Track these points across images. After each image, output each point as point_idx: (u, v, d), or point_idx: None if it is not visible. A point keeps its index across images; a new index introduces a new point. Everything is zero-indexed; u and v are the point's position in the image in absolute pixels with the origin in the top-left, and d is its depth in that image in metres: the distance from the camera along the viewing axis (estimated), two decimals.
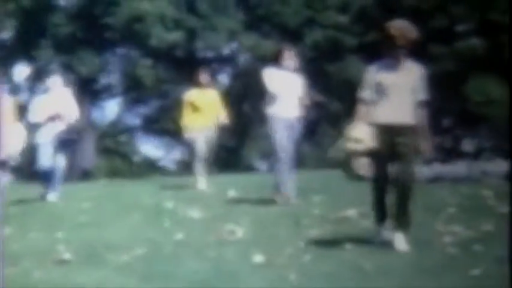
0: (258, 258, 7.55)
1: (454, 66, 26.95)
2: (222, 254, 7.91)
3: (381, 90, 7.82)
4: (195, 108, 14.27)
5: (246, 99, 29.22)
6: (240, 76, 31.79)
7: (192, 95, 14.51)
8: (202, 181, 14.06)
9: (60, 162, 13.06)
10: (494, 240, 7.80)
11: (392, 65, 7.88)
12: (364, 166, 7.78)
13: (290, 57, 11.58)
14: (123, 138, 37.70)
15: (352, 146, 7.68)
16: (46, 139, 12.92)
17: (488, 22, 27.28)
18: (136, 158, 38.46)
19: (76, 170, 30.24)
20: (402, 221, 7.83)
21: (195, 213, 10.66)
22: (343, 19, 30.08)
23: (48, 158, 12.89)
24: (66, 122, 13.10)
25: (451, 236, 8.21)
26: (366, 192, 9.76)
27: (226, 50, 32.55)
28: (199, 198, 12.47)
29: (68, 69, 30.52)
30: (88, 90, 32.02)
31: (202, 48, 31.00)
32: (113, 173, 32.22)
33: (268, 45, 29.56)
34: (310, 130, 33.19)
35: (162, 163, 38.40)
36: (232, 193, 12.79)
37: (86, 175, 29.51)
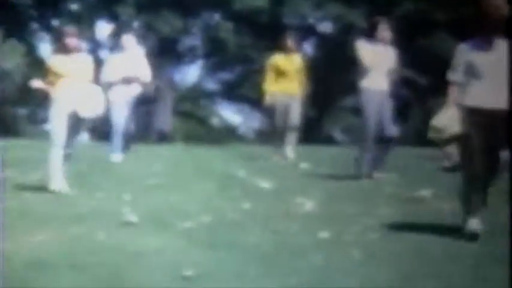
0: (324, 233, 7.61)
1: None
2: (287, 227, 7.99)
3: (473, 71, 7.39)
4: (279, 73, 13.98)
5: (330, 70, 29.13)
6: (325, 45, 31.68)
7: (277, 59, 14.18)
8: (289, 149, 13.83)
9: (130, 123, 13.39)
10: None
11: (485, 43, 7.41)
12: (451, 155, 7.53)
13: (385, 30, 11.41)
14: (202, 102, 37.93)
15: (435, 137, 7.38)
16: (119, 99, 13.13)
17: None
18: (214, 124, 38.71)
19: (153, 132, 30.64)
20: (478, 207, 7.52)
21: (265, 183, 10.74)
22: None
23: (121, 118, 13.17)
24: (139, 84, 13.30)
25: None
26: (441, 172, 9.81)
27: (311, 18, 32.42)
28: (272, 168, 12.51)
29: (150, 28, 30.87)
30: (170, 52, 32.30)
31: (288, 15, 30.90)
32: (191, 137, 32.50)
33: (355, 15, 29.50)
34: (400, 106, 33.07)
35: (240, 130, 38.57)
36: (305, 165, 12.83)
37: (163, 137, 29.78)
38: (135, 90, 13.27)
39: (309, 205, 9.08)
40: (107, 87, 12.72)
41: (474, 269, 6.46)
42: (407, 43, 29.90)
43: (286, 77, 13.90)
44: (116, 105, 13.06)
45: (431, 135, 7.41)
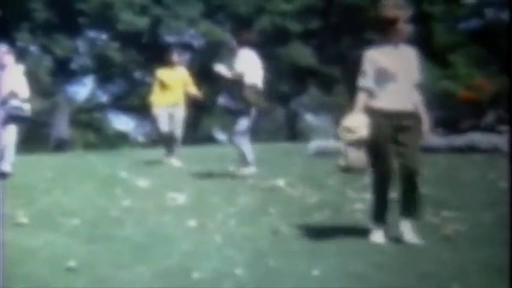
0: (191, 222, 7.74)
1: None
2: (160, 219, 8.09)
3: (384, 76, 6.76)
4: (164, 86, 13.72)
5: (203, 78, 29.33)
6: (198, 58, 31.83)
7: (162, 73, 13.93)
8: (174, 159, 13.54)
9: (10, 136, 12.19)
10: None
11: (392, 48, 6.81)
12: (358, 158, 6.71)
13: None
14: (96, 113, 37.66)
15: (345, 136, 6.72)
16: None
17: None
18: (108, 132, 38.45)
19: (51, 142, 30.32)
20: (411, 210, 6.85)
21: (143, 182, 10.80)
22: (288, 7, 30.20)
23: None
24: (18, 100, 12.23)
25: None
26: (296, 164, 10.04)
27: (186, 36, 32.62)
28: (151, 168, 12.57)
29: (45, 50, 30.58)
30: (64, 70, 32.06)
31: (165, 34, 31.03)
32: (88, 145, 32.27)
33: (220, 31, 29.92)
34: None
35: (131, 137, 38.42)
36: (179, 164, 12.96)
37: (61, 146, 29.47)
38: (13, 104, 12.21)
39: (180, 199, 9.20)
40: None
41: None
42: (268, 53, 30.39)
43: (170, 89, 13.65)
44: None
45: (342, 135, 6.77)
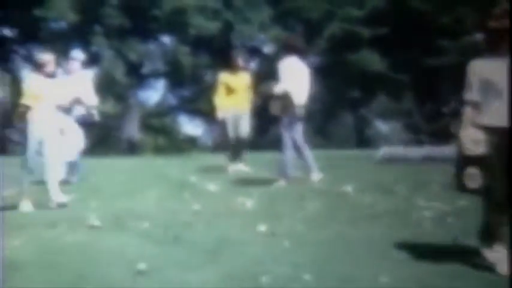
0: (261, 227, 7.79)
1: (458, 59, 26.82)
2: (229, 223, 8.16)
3: (491, 90, 6.10)
4: (229, 90, 13.28)
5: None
6: (266, 62, 31.86)
7: (226, 76, 13.45)
8: (241, 165, 13.17)
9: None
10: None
11: (499, 60, 6.11)
12: (474, 177, 6.05)
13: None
14: (166, 117, 37.98)
15: (470, 149, 6.00)
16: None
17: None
18: (178, 136, 38.71)
19: (122, 145, 30.71)
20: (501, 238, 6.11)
21: (212, 186, 10.88)
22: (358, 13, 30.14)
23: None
24: (85, 107, 12.07)
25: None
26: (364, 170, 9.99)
27: (256, 41, 32.75)
28: (220, 173, 12.61)
29: (118, 54, 31.01)
30: (135, 74, 32.45)
31: (236, 38, 31.16)
32: (158, 149, 32.55)
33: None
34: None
35: (200, 141, 38.63)
36: (248, 169, 12.91)
37: (131, 150, 29.81)
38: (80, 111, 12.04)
39: (249, 203, 9.25)
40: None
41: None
42: (337, 59, 30.38)
43: (235, 93, 13.25)
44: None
45: (465, 148, 6.06)
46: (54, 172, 9.89)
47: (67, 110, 11.20)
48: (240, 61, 13.64)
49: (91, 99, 12.23)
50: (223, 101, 13.30)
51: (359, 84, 30.98)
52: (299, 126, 11.18)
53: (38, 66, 10.05)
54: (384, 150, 15.08)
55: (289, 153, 11.04)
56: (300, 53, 11.37)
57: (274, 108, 11.13)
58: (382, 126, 38.40)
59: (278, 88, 11.07)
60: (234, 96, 13.26)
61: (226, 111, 13.20)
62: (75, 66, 12.38)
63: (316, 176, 11.05)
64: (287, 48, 11.36)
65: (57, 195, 9.82)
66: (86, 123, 12.06)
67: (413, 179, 10.76)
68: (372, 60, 29.07)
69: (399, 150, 14.56)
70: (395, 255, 6.52)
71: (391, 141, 28.17)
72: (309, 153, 11.12)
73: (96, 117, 12.34)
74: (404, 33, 29.67)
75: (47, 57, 10.15)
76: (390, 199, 9.26)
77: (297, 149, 11.07)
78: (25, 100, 9.98)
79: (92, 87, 12.46)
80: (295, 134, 11.08)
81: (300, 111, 11.13)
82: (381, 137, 34.25)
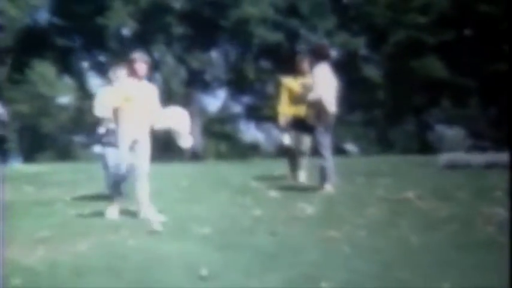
0: (320, 233, 7.77)
1: None
2: (290, 229, 8.15)
3: None
4: (293, 96, 12.32)
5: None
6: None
7: (290, 82, 12.49)
8: (301, 174, 12.43)
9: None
10: None
11: None
12: None
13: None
14: (228, 124, 38.12)
15: None
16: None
17: None
18: (240, 142, 38.83)
19: (186, 151, 30.87)
20: None
21: (273, 192, 10.89)
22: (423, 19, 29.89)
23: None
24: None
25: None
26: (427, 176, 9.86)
27: None
28: (280, 179, 12.60)
29: (180, 61, 31.27)
30: (198, 81, 32.69)
31: (302, 46, 31.15)
32: (220, 155, 32.73)
33: (356, 42, 29.86)
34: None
35: (263, 147, 38.67)
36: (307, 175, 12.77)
37: (195, 156, 29.98)
38: None
39: (309, 209, 9.24)
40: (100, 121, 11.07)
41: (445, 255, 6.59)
42: (404, 65, 30.16)
43: (299, 100, 12.11)
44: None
45: None
46: (145, 182, 9.52)
47: None
48: (305, 65, 12.31)
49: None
50: (286, 107, 12.51)
51: (423, 90, 30.74)
52: (328, 136, 11.09)
53: (130, 69, 9.60)
54: (446, 156, 14.93)
55: (330, 159, 10.98)
56: (329, 61, 11.26)
57: (310, 116, 11.12)
58: (445, 132, 38.04)
59: (312, 95, 11.04)
60: (298, 104, 12.24)
61: (290, 118, 12.43)
62: (121, 74, 11.24)
63: (329, 188, 10.89)
64: (318, 57, 11.23)
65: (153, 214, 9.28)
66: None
67: (476, 185, 10.63)
68: (436, 67, 28.83)
69: (462, 156, 14.40)
70: (458, 262, 6.44)
71: (454, 147, 27.83)
72: (332, 164, 11.03)
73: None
74: (471, 39, 29.39)
75: (139, 59, 9.64)
76: (453, 205, 9.15)
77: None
78: (116, 102, 9.55)
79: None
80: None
81: (331, 120, 11.09)
82: (444, 143, 33.90)
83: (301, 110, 11.99)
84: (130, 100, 9.49)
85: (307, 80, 12.04)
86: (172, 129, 9.91)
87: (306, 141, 12.25)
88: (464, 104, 31.10)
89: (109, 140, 10.49)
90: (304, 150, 12.40)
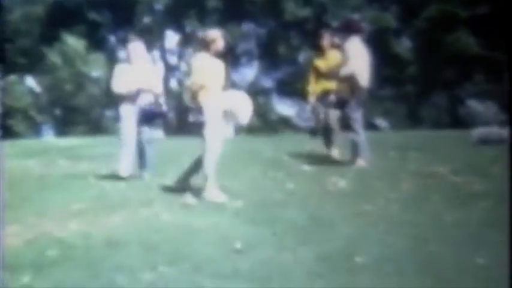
0: (353, 207, 7.75)
1: None
2: (323, 203, 8.14)
3: None
4: (319, 74, 12.17)
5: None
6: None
7: (315, 60, 12.43)
8: (335, 151, 12.06)
9: (147, 135, 11.10)
10: None
11: None
12: None
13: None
14: (259, 98, 38.07)
15: None
16: (129, 112, 10.94)
17: None
18: (271, 117, 38.79)
19: None
20: None
21: (306, 166, 10.88)
22: None
23: (131, 131, 10.91)
24: (151, 95, 11.07)
25: None
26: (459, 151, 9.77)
27: None
28: (311, 153, 12.55)
29: None
30: (229, 55, 32.65)
31: (331, 20, 31.03)
32: (251, 130, 32.68)
33: (388, 17, 29.63)
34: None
35: (295, 121, 38.62)
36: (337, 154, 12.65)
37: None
38: (146, 100, 11.04)
39: (342, 183, 9.22)
40: (119, 98, 11.02)
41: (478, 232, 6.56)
42: (436, 40, 29.91)
43: (325, 77, 12.04)
44: (125, 118, 10.96)
45: None
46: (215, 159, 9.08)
47: (133, 98, 10.87)
48: (326, 41, 12.24)
49: (158, 87, 11.22)
50: (312, 86, 12.34)
51: (454, 65, 30.50)
52: (361, 110, 10.99)
53: (205, 45, 9.14)
54: (479, 131, 14.81)
55: (362, 134, 10.91)
56: (361, 34, 11.09)
57: (343, 91, 11.01)
58: (476, 107, 37.76)
59: (345, 70, 10.94)
60: (324, 81, 12.12)
61: (316, 96, 12.28)
62: (136, 53, 11.17)
63: (362, 162, 10.80)
64: (349, 30, 11.06)
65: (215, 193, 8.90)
66: (153, 115, 11.16)
67: (509, 160, 10.53)
68: (468, 42, 28.60)
69: (495, 131, 14.26)
70: (491, 237, 6.40)
71: (486, 121, 27.62)
72: (364, 138, 10.94)
73: (164, 107, 11.41)
74: (504, 12, 29.02)
75: (214, 34, 9.24)
76: (486, 181, 9.09)
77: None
78: (199, 79, 9.10)
79: (157, 74, 11.56)
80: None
81: (364, 94, 11.00)
82: (476, 118, 33.66)
83: (329, 86, 11.91)
84: (212, 78, 9.11)
85: (330, 56, 12.03)
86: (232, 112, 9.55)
87: (333, 116, 11.92)
88: (497, 79, 30.82)
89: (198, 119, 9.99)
90: (333, 126, 12.04)
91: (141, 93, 10.93)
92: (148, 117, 11.03)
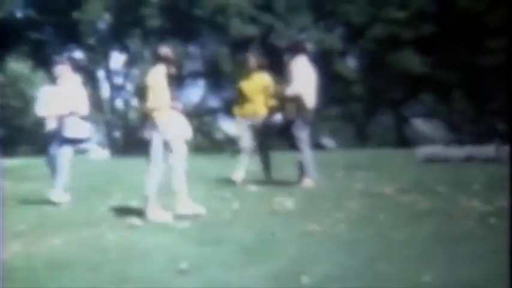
0: (300, 227, 7.74)
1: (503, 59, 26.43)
2: (269, 223, 8.12)
3: None
4: (243, 96, 11.91)
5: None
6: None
7: (241, 82, 12.06)
8: (239, 171, 11.71)
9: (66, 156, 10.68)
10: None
11: None
12: None
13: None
14: (206, 118, 38.08)
15: None
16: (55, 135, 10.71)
17: None
18: (217, 137, 38.80)
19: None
20: None
21: (252, 186, 10.86)
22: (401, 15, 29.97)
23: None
24: (76, 116, 10.72)
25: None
26: (405, 170, 9.86)
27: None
28: (259, 173, 12.53)
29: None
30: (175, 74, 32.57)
31: (277, 41, 31.15)
32: (197, 149, 32.63)
33: (332, 39, 29.85)
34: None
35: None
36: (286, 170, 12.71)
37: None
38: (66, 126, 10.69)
39: (289, 203, 9.21)
40: (42, 121, 10.85)
41: (428, 248, 6.59)
42: (381, 60, 30.19)
43: (248, 100, 11.81)
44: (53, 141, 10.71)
45: None
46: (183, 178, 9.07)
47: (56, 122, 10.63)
48: (252, 63, 11.97)
49: (82, 109, 10.86)
50: (237, 109, 12.14)
51: (400, 84, 30.82)
52: (307, 130, 11.08)
53: (163, 60, 9.17)
54: (424, 150, 14.96)
55: (308, 153, 10.97)
56: (307, 55, 11.17)
57: (289, 111, 11.04)
58: (422, 126, 38.22)
59: (290, 90, 10.97)
60: (247, 103, 11.89)
61: (242, 119, 11.98)
62: (63, 72, 10.90)
63: (308, 182, 10.87)
64: (295, 51, 11.15)
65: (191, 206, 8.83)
66: (74, 140, 10.78)
67: (455, 179, 10.64)
68: (413, 61, 28.91)
69: (440, 150, 14.43)
70: (437, 255, 6.42)
71: (432, 140, 27.94)
72: (311, 158, 11.02)
73: (87, 130, 10.92)
74: (450, 34, 29.43)
75: (169, 53, 9.26)
76: (431, 199, 9.16)
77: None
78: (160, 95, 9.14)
79: (84, 94, 11.03)
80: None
81: (310, 115, 11.05)
82: (421, 137, 34.05)
83: (250, 110, 11.79)
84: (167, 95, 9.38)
85: (255, 78, 11.83)
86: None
87: (247, 138, 11.81)
88: (444, 98, 31.25)
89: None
90: (246, 147, 11.85)
91: (64, 116, 10.63)
92: (66, 142, 10.64)
